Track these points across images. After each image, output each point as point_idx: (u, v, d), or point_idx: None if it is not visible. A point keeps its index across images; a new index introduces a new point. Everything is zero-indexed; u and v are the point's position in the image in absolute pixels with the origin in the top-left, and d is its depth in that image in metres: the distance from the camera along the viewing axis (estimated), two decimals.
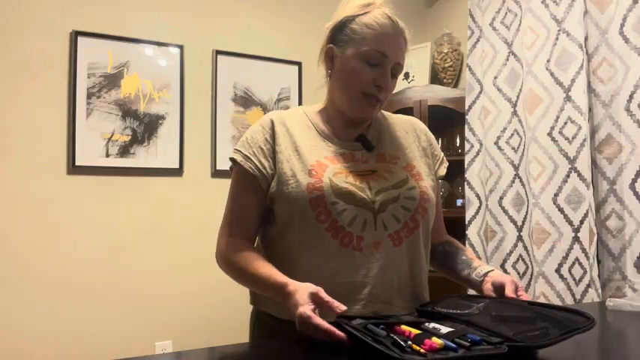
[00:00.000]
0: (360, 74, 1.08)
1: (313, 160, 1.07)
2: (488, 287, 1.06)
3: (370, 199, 1.05)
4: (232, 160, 1.13)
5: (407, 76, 3.15)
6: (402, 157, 1.15)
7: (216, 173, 2.74)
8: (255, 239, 1.15)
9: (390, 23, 1.08)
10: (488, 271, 1.10)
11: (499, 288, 1.04)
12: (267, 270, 1.02)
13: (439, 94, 2.86)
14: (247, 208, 1.11)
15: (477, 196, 2.56)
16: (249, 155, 1.10)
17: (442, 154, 1.25)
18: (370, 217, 1.04)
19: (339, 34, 1.11)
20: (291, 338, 0.92)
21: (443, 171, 1.22)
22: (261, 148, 1.10)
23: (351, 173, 1.07)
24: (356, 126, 1.15)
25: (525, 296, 1.00)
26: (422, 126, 1.25)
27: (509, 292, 1.00)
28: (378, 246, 1.04)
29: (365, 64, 1.07)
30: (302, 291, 0.90)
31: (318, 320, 0.84)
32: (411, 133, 1.22)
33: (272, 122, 1.13)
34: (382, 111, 1.23)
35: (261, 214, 1.12)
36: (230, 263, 1.10)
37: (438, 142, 2.93)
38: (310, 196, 1.03)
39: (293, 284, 0.94)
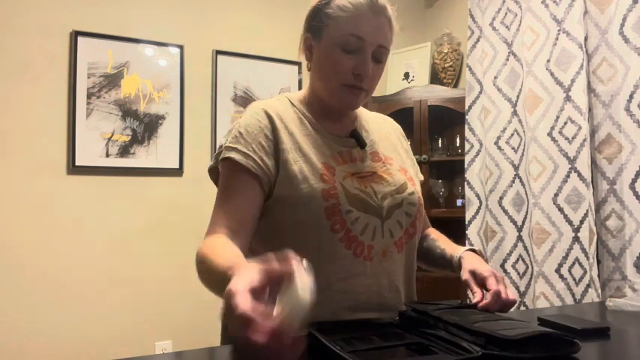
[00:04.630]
0: (337, 64, 0.99)
1: (320, 163, 1.00)
2: (467, 278, 1.02)
3: (378, 205, 1.01)
4: (227, 158, 0.98)
5: (407, 76, 3.15)
6: (395, 159, 1.12)
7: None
8: (248, 242, 0.97)
9: (366, 2, 0.97)
10: (460, 258, 1.06)
11: (479, 279, 1.00)
12: (224, 257, 0.80)
13: (439, 94, 2.86)
14: (244, 208, 0.96)
15: (477, 196, 2.56)
16: (248, 152, 0.97)
17: (413, 157, 1.23)
18: (379, 225, 1.01)
19: (314, 21, 1.02)
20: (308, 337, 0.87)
21: (421, 176, 1.20)
22: (262, 144, 0.98)
23: (355, 176, 1.02)
24: (342, 118, 1.09)
25: (503, 287, 0.96)
26: (399, 127, 1.22)
27: (492, 284, 0.96)
28: (386, 254, 1.02)
29: (341, 52, 0.98)
30: (242, 270, 0.66)
31: (243, 299, 0.57)
32: (393, 134, 1.19)
33: (268, 115, 1.01)
34: (362, 108, 1.17)
35: (256, 219, 0.98)
36: (197, 260, 0.89)
37: (437, 142, 2.96)
38: (326, 204, 0.95)
39: (238, 266, 0.72)
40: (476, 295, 0.97)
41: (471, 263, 1.04)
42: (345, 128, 1.09)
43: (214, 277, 0.79)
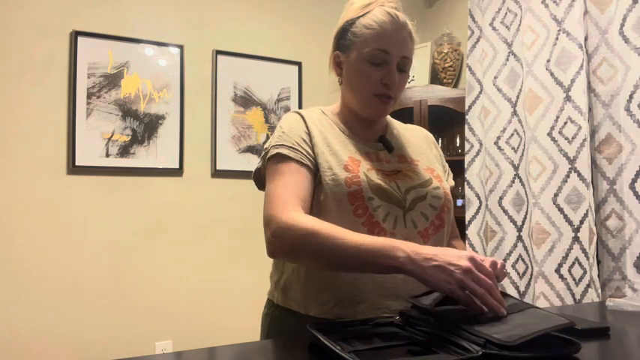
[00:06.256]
0: (366, 76, 1.09)
1: (346, 157, 1.08)
2: None
3: (400, 197, 1.07)
4: (279, 155, 1.06)
5: None
6: (422, 160, 1.18)
7: (216, 173, 2.74)
8: None
9: (389, 19, 1.07)
10: None
11: None
12: (363, 235, 0.95)
13: (439, 94, 2.86)
14: (302, 187, 1.03)
15: (477, 196, 2.56)
16: (293, 146, 1.07)
17: (447, 164, 1.29)
18: (400, 215, 1.06)
19: (342, 39, 1.13)
20: (309, 337, 0.90)
21: (452, 182, 1.26)
22: (303, 139, 1.09)
23: (379, 171, 1.09)
24: (373, 127, 1.18)
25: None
26: (431, 136, 1.30)
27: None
28: None
29: (370, 65, 1.08)
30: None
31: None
32: (423, 140, 1.26)
33: (302, 116, 1.13)
34: (393, 120, 1.26)
35: (311, 201, 1.05)
36: (309, 231, 0.93)
37: (437, 142, 2.95)
38: (349, 190, 1.03)
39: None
40: None
41: None
42: (375, 134, 1.18)
43: (367, 245, 0.90)
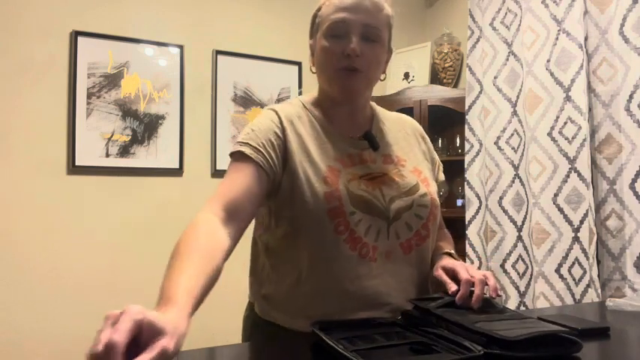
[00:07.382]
0: (328, 50, 1.03)
1: (324, 166, 1.02)
2: (439, 274, 1.01)
3: (384, 207, 1.02)
4: (240, 152, 1.00)
5: (407, 76, 3.15)
6: (409, 160, 1.12)
7: (216, 173, 2.74)
8: (242, 229, 0.96)
9: None
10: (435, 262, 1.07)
11: (450, 273, 1.00)
12: (181, 272, 0.75)
13: (439, 94, 2.86)
14: (244, 192, 0.96)
15: (477, 196, 2.56)
16: (258, 147, 1.00)
17: (437, 156, 1.23)
18: (384, 227, 1.01)
19: (312, 26, 1.12)
20: (294, 344, 0.90)
21: (442, 176, 1.21)
22: (272, 141, 1.01)
23: (362, 179, 1.03)
24: (357, 119, 1.11)
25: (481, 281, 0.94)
26: (419, 127, 1.23)
27: (462, 274, 0.95)
28: (390, 255, 1.02)
29: (331, 39, 1.03)
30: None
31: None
32: (412, 134, 1.19)
33: (280, 118, 1.05)
34: (378, 107, 1.20)
35: (257, 203, 0.99)
36: (175, 246, 0.84)
37: (437, 142, 2.95)
38: (328, 207, 0.97)
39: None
40: (450, 287, 0.97)
41: (442, 262, 1.05)
42: (360, 129, 1.11)
43: (163, 281, 0.75)
